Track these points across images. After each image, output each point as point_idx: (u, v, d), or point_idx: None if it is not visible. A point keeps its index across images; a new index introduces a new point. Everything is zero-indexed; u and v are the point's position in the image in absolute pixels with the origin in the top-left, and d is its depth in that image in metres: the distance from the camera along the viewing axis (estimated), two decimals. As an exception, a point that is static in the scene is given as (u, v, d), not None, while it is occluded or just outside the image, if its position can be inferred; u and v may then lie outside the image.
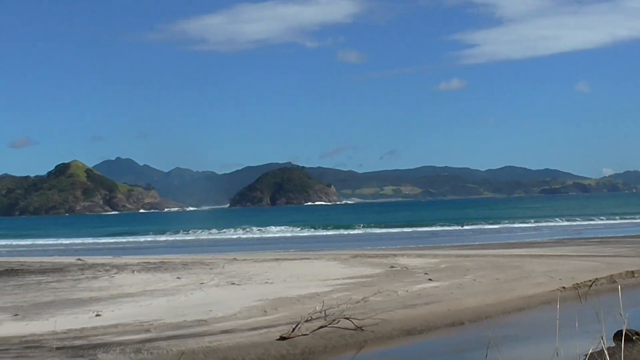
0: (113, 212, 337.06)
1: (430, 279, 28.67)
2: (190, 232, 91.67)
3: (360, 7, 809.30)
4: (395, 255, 41.57)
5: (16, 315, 22.79)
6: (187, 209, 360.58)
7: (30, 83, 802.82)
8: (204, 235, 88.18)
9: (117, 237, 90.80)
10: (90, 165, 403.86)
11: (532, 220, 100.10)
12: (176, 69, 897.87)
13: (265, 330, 19.22)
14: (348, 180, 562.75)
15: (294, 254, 46.93)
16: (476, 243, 55.83)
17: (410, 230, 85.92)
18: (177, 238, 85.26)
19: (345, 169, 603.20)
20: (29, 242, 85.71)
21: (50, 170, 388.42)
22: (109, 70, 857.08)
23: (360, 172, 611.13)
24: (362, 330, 19.40)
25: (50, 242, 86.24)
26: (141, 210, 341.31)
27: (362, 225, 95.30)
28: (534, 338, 19.25)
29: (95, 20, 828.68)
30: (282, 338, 18.24)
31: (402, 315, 21.24)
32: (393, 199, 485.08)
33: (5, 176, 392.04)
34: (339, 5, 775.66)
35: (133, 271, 35.57)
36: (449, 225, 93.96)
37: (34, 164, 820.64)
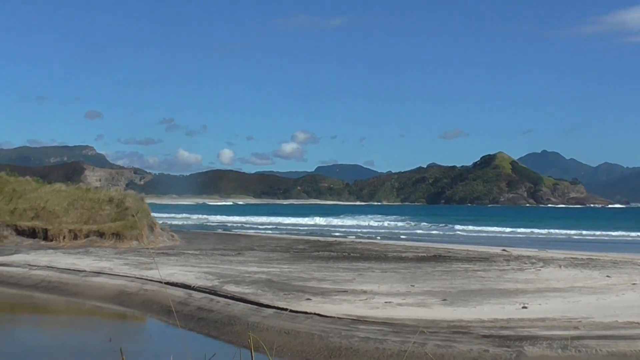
0: (537, 205, 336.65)
1: None
2: (618, 230, 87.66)
3: None
4: None
5: (444, 300, 23.48)
6: (613, 206, 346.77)
7: (463, 79, 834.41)
8: (633, 234, 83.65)
9: (539, 230, 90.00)
10: (515, 157, 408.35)
11: None
12: (611, 62, 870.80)
13: None
14: None
15: None
16: None
17: None
18: (601, 237, 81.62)
19: None
20: (450, 231, 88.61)
21: (475, 161, 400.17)
22: (541, 65, 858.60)
23: None
24: None
25: (474, 230, 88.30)
26: (565, 205, 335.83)
27: None
28: None
29: (526, 17, 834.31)
30: None
31: None
32: None
33: (434, 165, 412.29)
34: None
35: (560, 266, 34.84)
36: None
37: (461, 154, 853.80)
